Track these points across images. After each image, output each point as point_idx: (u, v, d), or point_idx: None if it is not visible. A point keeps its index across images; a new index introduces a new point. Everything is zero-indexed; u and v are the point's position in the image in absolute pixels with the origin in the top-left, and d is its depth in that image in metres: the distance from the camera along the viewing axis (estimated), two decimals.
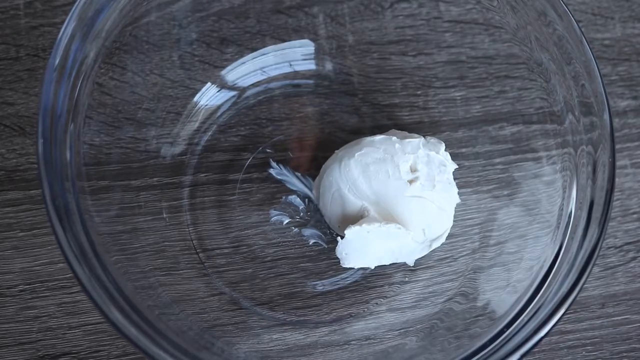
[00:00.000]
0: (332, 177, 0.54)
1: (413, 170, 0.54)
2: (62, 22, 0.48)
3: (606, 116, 0.48)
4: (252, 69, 0.59)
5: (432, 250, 0.55)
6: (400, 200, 0.54)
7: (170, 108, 0.57)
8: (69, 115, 0.48)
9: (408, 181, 0.54)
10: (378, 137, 0.55)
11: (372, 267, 0.55)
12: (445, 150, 0.55)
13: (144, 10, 0.53)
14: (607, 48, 0.62)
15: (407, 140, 0.54)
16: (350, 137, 0.56)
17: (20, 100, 0.58)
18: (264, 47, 0.59)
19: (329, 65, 0.59)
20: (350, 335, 0.54)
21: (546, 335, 0.45)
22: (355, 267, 0.55)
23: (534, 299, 0.47)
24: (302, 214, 0.56)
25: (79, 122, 0.49)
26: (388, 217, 0.53)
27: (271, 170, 0.57)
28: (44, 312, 0.55)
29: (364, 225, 0.53)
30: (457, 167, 0.55)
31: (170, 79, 0.57)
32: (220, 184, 0.56)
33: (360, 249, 0.54)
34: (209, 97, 0.58)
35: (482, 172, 0.57)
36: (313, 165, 0.57)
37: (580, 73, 0.49)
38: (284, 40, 0.59)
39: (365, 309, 0.55)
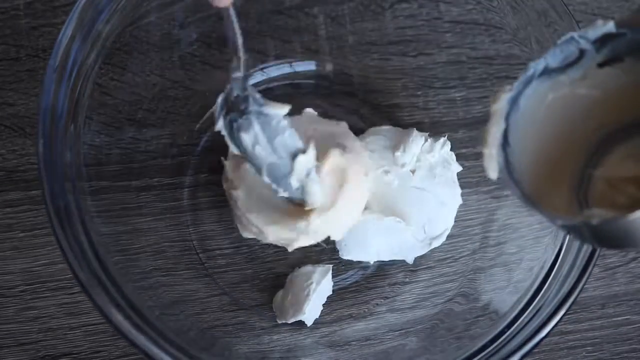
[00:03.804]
0: None
1: (416, 160, 0.54)
2: (63, 23, 0.48)
3: None
4: (252, 70, 0.59)
5: (432, 250, 0.55)
6: (402, 190, 0.54)
7: (171, 108, 0.57)
8: (69, 116, 0.48)
9: (410, 170, 0.54)
10: (385, 127, 0.56)
11: (372, 262, 0.55)
12: (451, 150, 0.55)
13: (144, 10, 0.53)
14: None
15: (413, 130, 0.55)
16: None
17: (20, 100, 0.58)
18: (264, 47, 0.59)
19: (329, 66, 0.59)
20: (350, 335, 0.54)
21: (547, 335, 0.45)
22: (354, 260, 0.55)
23: (534, 299, 0.47)
24: None
25: (79, 122, 0.49)
26: (390, 208, 0.53)
27: None
28: (44, 313, 0.55)
29: (363, 216, 0.53)
30: (461, 168, 0.55)
31: (171, 79, 0.57)
32: (220, 184, 0.56)
33: (360, 241, 0.54)
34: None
35: (482, 172, 0.56)
36: None
37: None
38: (284, 41, 0.59)
39: (366, 310, 0.55)
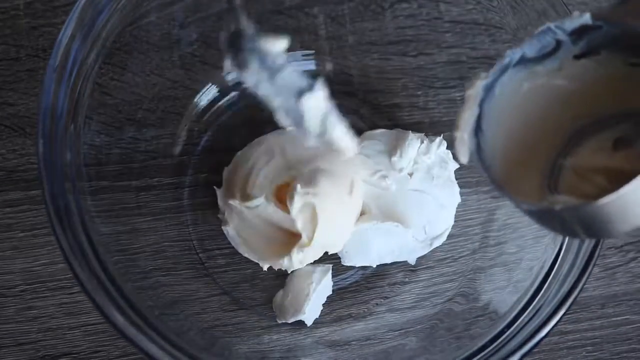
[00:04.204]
0: None
1: (413, 163, 0.54)
2: (63, 23, 0.48)
3: None
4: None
5: (432, 250, 0.55)
6: (400, 194, 0.54)
7: (171, 108, 0.57)
8: (69, 116, 0.48)
9: (408, 174, 0.54)
10: (379, 130, 0.56)
11: (374, 266, 0.55)
12: (447, 148, 0.55)
13: (144, 10, 0.53)
14: None
15: (409, 133, 0.55)
16: None
17: (20, 100, 0.58)
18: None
19: (329, 65, 0.59)
20: (350, 335, 0.54)
21: (547, 335, 0.45)
22: (356, 265, 0.55)
23: (534, 299, 0.47)
24: None
25: (79, 122, 0.49)
26: (389, 212, 0.54)
27: None
28: (44, 313, 0.55)
29: (360, 224, 0.53)
30: (458, 166, 0.55)
31: (171, 79, 0.57)
32: (220, 184, 0.56)
33: (361, 247, 0.54)
34: (209, 97, 0.58)
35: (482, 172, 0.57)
36: None
37: None
38: None
39: (366, 310, 0.55)
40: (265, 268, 0.53)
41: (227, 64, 0.39)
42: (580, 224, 0.37)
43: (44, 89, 0.47)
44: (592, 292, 0.57)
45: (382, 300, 0.55)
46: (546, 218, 0.39)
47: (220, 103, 0.58)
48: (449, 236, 0.55)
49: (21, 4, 0.59)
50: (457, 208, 0.55)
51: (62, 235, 0.45)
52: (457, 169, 0.55)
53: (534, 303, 0.47)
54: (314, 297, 0.53)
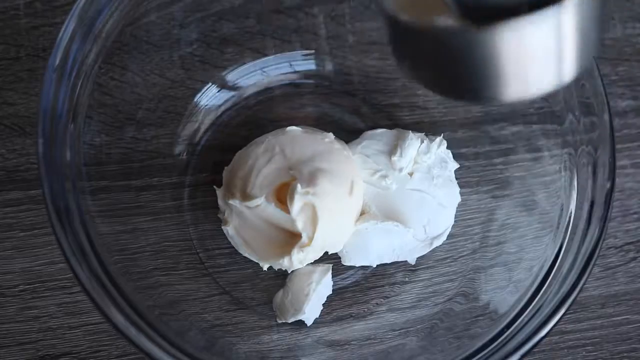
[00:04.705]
0: None
1: (413, 162, 0.54)
2: (63, 22, 0.48)
3: (606, 116, 0.48)
4: (252, 69, 0.59)
5: (432, 250, 0.55)
6: (400, 194, 0.54)
7: (171, 108, 0.57)
8: (69, 115, 0.48)
9: (408, 173, 0.54)
10: (379, 130, 0.56)
11: (374, 265, 0.55)
12: (447, 148, 0.55)
13: (144, 10, 0.53)
14: (607, 48, 0.62)
15: (409, 133, 0.55)
16: (350, 137, 0.56)
17: (20, 100, 0.58)
18: (264, 47, 0.59)
19: (329, 65, 0.59)
20: (350, 335, 0.54)
21: (546, 335, 0.45)
22: (357, 265, 0.55)
23: (534, 299, 0.47)
24: None
25: (79, 122, 0.49)
26: (389, 211, 0.54)
27: None
28: (44, 312, 0.55)
29: (360, 224, 0.53)
30: (458, 166, 0.55)
31: (171, 79, 0.57)
32: (220, 183, 0.56)
33: (361, 247, 0.54)
34: (209, 97, 0.58)
35: (482, 172, 0.57)
36: None
37: (580, 73, 0.49)
38: (284, 40, 0.59)
39: (366, 309, 0.55)
40: (265, 268, 0.53)
41: None
42: (455, 61, 0.33)
43: (44, 89, 0.47)
44: (592, 292, 0.57)
45: (382, 300, 0.55)
46: (417, 45, 0.34)
47: (220, 103, 0.58)
48: (449, 236, 0.55)
49: (21, 4, 0.59)
50: (457, 208, 0.55)
51: (62, 235, 0.45)
52: (457, 169, 0.55)
53: (534, 303, 0.47)
54: (314, 297, 0.53)
